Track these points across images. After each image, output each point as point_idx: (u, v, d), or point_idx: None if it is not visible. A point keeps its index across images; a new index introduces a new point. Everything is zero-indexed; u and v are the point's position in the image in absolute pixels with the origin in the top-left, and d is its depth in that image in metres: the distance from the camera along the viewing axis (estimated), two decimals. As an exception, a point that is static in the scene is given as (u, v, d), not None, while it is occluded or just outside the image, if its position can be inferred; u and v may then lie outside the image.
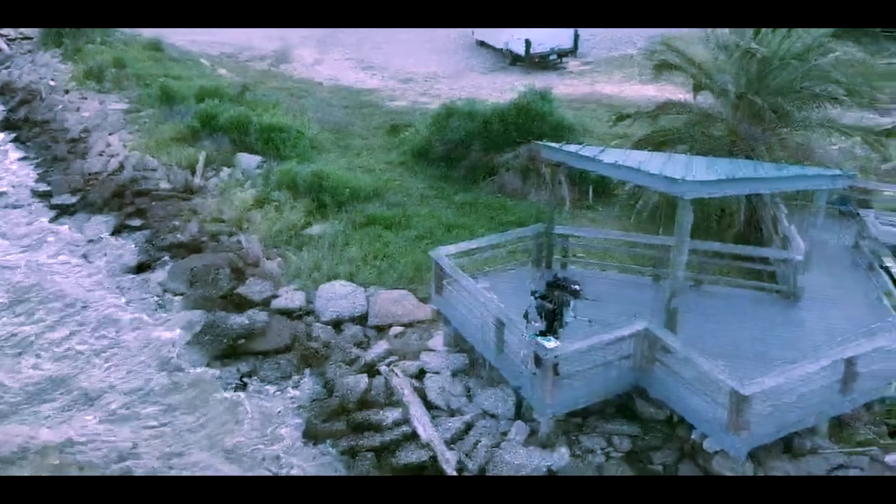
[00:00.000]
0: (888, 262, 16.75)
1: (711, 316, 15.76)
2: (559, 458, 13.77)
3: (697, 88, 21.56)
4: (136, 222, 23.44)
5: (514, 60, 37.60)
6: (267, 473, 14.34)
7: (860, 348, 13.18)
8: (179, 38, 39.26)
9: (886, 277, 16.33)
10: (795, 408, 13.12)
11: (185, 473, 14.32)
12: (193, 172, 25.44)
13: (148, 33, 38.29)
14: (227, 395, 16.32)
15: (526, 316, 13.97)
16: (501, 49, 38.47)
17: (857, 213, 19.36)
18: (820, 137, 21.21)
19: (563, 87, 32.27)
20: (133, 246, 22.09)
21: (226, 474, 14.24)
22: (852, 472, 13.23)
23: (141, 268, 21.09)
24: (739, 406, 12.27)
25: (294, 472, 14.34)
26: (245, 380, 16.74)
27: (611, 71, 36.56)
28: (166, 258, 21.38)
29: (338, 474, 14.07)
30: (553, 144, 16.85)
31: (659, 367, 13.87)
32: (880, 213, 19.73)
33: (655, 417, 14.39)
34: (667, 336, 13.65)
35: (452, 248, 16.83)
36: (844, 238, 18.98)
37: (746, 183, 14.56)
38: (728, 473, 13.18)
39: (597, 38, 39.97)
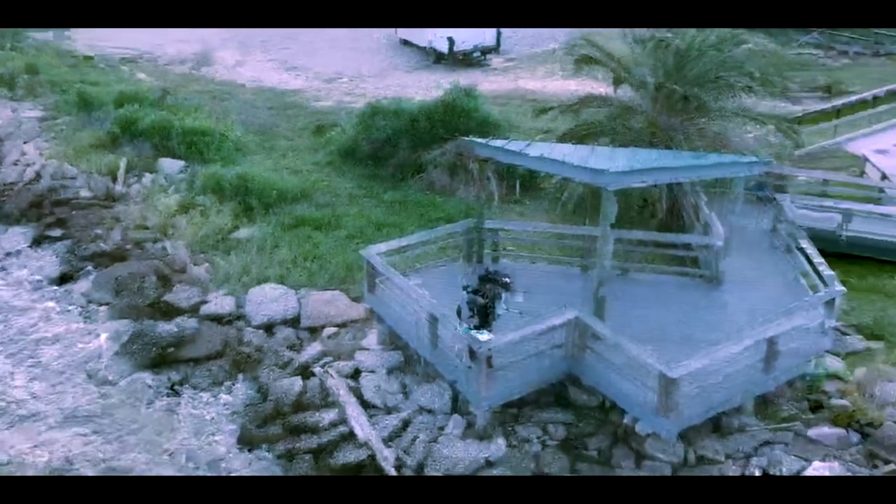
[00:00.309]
0: (804, 244, 17.36)
1: (638, 302, 16.09)
2: (497, 450, 13.93)
3: (617, 82, 22.03)
4: (57, 232, 22.78)
5: (438, 58, 37.77)
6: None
7: (780, 328, 13.68)
8: (96, 43, 38.18)
9: (803, 258, 16.91)
10: (722, 388, 13.53)
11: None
12: (115, 179, 24.81)
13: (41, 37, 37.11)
14: (158, 404, 15.99)
15: (458, 312, 14.08)
16: (425, 47, 38.59)
17: (774, 198, 20.02)
18: (736, 126, 21.89)
19: (487, 83, 32.52)
20: (54, 257, 21.44)
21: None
22: (778, 448, 13.71)
23: (63, 279, 20.50)
24: (668, 389, 12.59)
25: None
26: (176, 388, 16.45)
27: (533, 67, 37.01)
28: (90, 268, 20.80)
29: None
30: (480, 140, 17.00)
31: (590, 354, 14.13)
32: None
33: (588, 404, 14.67)
34: (596, 323, 13.93)
35: (383, 247, 16.84)
36: (762, 222, 19.67)
37: (668, 172, 14.92)
38: (660, 455, 13.54)
39: (519, 35, 40.38)
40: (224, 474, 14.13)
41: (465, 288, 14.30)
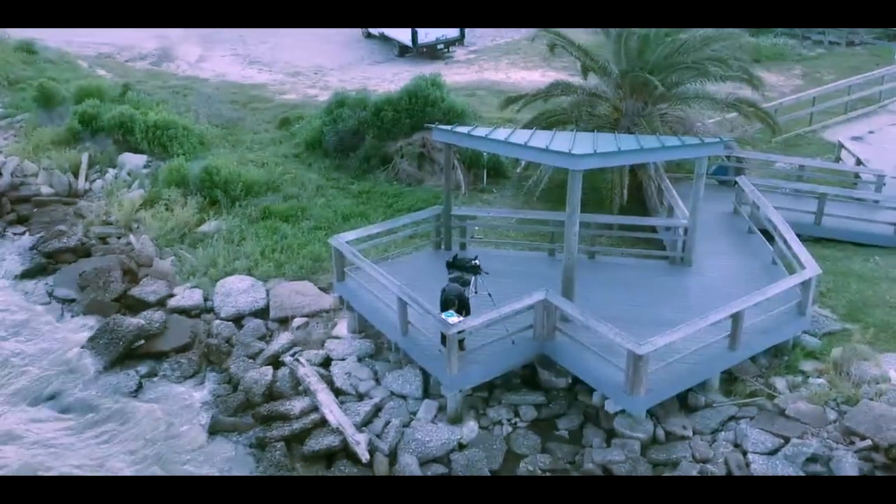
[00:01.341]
0: (781, 227, 16.86)
1: (607, 285, 16.29)
2: (469, 432, 14.06)
3: (585, 70, 22.24)
4: (19, 230, 22.47)
5: (403, 51, 37.75)
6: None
7: (743, 304, 13.91)
8: (54, 39, 37.61)
9: (780, 241, 16.96)
10: (688, 364, 13.77)
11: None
12: (76, 175, 24.51)
13: (17, 34, 36.53)
14: (126, 398, 15.81)
15: (446, 302, 13.93)
16: (389, 40, 38.55)
17: (735, 182, 20.31)
18: (698, 111, 22.20)
19: (451, 75, 32.53)
20: (16, 254, 21.09)
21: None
22: (743, 422, 13.97)
23: (27, 276, 20.16)
24: (636, 366, 12.77)
25: (204, 469, 14.04)
26: (145, 381, 16.30)
27: (497, 58, 37.15)
28: (53, 264, 20.54)
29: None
30: (446, 127, 17.06)
31: (559, 335, 14.31)
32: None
33: (557, 386, 14.85)
34: (564, 304, 14.06)
35: (352, 235, 16.87)
36: (724, 205, 20.04)
37: (632, 154, 15.12)
38: (629, 432, 13.72)
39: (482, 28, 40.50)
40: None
41: (449, 265, 14.34)
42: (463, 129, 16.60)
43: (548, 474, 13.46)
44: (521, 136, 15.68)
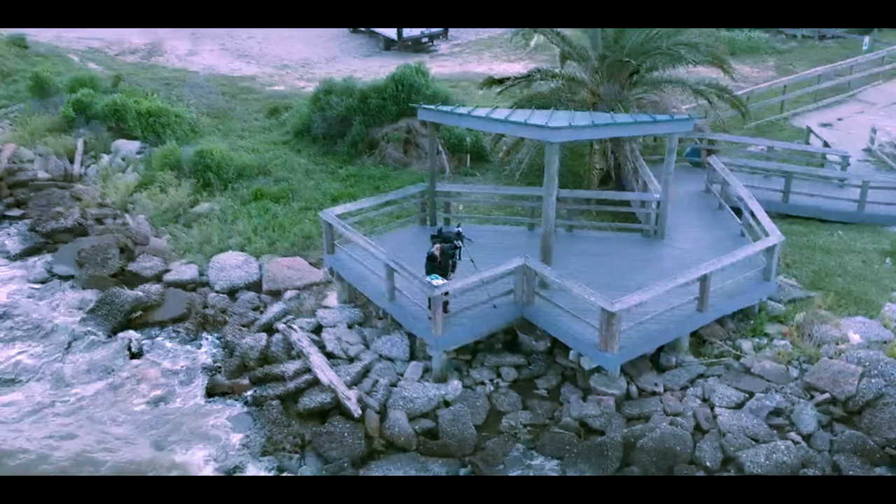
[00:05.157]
0: (749, 202, 17.75)
1: (584, 255, 17.16)
2: (453, 390, 14.87)
3: (564, 58, 23.10)
4: (17, 213, 23.14)
5: (388, 45, 38.57)
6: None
7: (710, 267, 14.81)
8: (44, 34, 38.18)
9: (747, 214, 17.88)
10: (659, 325, 14.65)
11: (105, 446, 14.36)
12: (72, 161, 25.18)
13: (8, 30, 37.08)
14: (126, 363, 16.51)
15: (433, 264, 14.73)
16: (375, 34, 39.37)
17: (707, 163, 21.25)
18: (671, 96, 23.12)
19: (436, 67, 33.36)
20: (15, 235, 21.79)
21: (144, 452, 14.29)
22: (711, 379, 14.88)
23: (26, 255, 20.84)
24: (609, 323, 13.64)
25: (204, 427, 14.78)
26: (144, 348, 17.01)
27: (480, 51, 38.03)
28: (52, 244, 21.24)
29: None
30: (430, 106, 17.88)
31: (538, 300, 15.15)
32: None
33: (537, 350, 15.71)
34: (542, 268, 14.91)
35: (341, 209, 17.64)
36: (697, 185, 20.95)
37: (606, 128, 15.98)
38: (604, 389, 14.57)
39: (466, 22, 41.30)
40: (191, 428, 14.45)
41: (434, 238, 15.10)
42: (446, 108, 17.43)
43: (529, 428, 14.31)
44: (502, 113, 16.53)
